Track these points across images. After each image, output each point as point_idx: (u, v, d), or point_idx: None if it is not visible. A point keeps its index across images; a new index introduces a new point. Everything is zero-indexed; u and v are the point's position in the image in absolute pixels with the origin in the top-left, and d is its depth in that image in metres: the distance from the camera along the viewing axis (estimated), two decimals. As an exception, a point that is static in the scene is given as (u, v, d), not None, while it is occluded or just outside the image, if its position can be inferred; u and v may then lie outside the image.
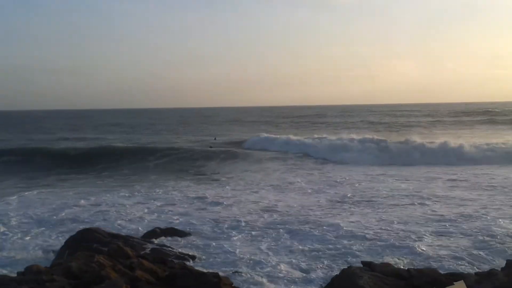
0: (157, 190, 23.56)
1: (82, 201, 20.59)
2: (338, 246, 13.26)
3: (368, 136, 41.42)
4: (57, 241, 14.09)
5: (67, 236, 13.76)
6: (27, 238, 14.80)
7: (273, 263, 11.86)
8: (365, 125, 74.66)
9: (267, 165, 32.60)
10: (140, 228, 15.80)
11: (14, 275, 8.68)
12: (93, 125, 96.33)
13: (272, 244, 13.72)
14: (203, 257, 12.61)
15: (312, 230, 15.04)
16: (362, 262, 9.60)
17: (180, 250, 13.03)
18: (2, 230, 15.80)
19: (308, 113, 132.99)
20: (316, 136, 45.65)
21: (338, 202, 19.57)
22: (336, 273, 9.49)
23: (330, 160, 35.08)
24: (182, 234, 14.71)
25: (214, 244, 13.76)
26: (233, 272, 11.06)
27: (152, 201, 20.77)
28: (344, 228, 15.08)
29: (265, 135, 49.61)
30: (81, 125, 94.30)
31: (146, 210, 18.72)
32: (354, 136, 41.61)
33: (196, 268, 9.99)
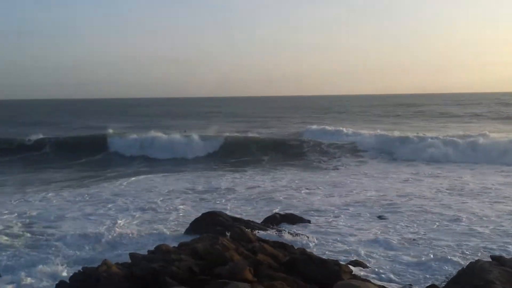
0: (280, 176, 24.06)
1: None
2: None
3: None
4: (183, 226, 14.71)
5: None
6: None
7: (394, 255, 11.58)
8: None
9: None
10: (254, 212, 16.37)
11: (145, 253, 9.22)
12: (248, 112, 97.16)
13: (396, 235, 13.38)
14: (323, 243, 12.59)
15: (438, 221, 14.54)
16: (491, 257, 9.11)
17: (299, 235, 13.10)
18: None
19: (435, 102, 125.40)
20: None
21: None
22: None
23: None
24: (301, 220, 14.78)
25: (333, 231, 13.71)
26: (352, 261, 10.94)
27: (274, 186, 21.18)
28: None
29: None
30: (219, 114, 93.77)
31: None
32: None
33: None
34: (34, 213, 16.61)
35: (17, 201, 19.06)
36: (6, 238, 13.67)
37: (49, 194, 20.44)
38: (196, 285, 7.64)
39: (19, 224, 15.18)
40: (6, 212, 16.83)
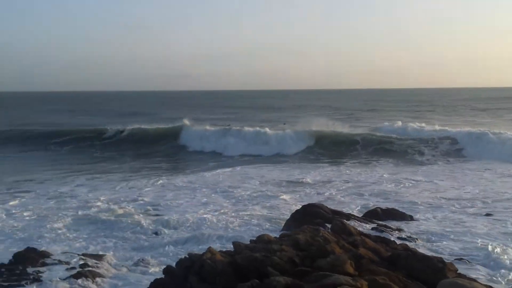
0: (378, 171, 23.67)
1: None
2: None
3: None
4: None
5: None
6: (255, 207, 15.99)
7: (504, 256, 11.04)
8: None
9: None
10: (354, 206, 16.22)
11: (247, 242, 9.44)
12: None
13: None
14: (426, 239, 12.26)
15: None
16: None
17: (401, 231, 12.83)
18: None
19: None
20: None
21: None
22: None
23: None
24: (403, 216, 14.46)
25: (437, 229, 13.28)
26: (457, 259, 10.55)
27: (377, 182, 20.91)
28: None
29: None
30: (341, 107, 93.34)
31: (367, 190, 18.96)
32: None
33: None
34: (148, 199, 17.84)
35: (132, 187, 20.44)
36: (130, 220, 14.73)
37: (159, 182, 21.58)
38: (297, 276, 7.72)
39: (141, 209, 16.28)
40: (125, 195, 17.91)
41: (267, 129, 36.28)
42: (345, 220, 11.32)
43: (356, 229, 10.93)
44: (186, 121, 39.25)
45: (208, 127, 38.12)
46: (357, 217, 13.86)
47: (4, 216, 15.65)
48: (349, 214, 13.90)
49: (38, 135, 40.80)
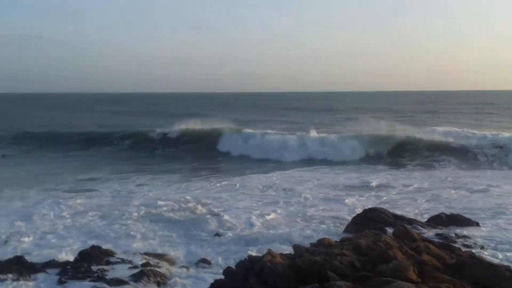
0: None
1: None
2: None
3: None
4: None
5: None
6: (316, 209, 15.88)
7: None
8: None
9: None
10: (417, 211, 15.83)
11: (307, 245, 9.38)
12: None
13: None
14: (493, 247, 11.81)
15: None
16: None
17: (466, 238, 12.43)
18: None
19: None
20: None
21: None
22: None
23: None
24: (468, 222, 14.00)
25: (504, 236, 12.77)
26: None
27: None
28: None
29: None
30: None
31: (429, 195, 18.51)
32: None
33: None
34: (209, 200, 18.07)
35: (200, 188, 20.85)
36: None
37: (223, 183, 21.89)
38: (358, 281, 7.60)
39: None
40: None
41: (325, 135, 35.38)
42: (407, 225, 11.07)
43: (419, 234, 10.66)
44: (247, 129, 38.84)
45: (269, 131, 37.76)
46: (420, 222, 13.52)
47: (70, 214, 16.20)
48: (412, 219, 13.58)
49: (100, 135, 41.82)
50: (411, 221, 13.02)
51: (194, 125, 41.52)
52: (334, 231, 13.33)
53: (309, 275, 7.93)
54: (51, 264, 10.69)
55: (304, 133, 36.10)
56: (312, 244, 9.21)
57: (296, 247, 8.82)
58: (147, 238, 13.49)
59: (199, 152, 34.60)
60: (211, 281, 9.03)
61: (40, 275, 10.11)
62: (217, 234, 13.50)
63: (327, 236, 9.97)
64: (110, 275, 9.99)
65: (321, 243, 8.97)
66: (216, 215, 15.59)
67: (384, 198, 18.16)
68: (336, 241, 9.21)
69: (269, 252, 8.39)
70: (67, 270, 10.18)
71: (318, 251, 8.44)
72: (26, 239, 13.42)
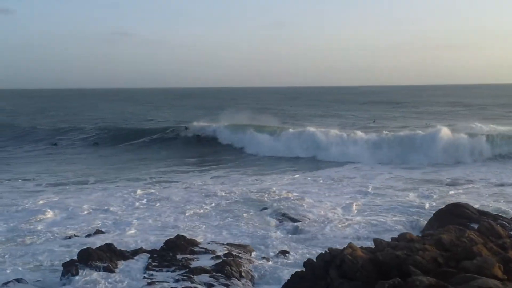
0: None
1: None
2: None
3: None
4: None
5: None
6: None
7: None
8: None
9: None
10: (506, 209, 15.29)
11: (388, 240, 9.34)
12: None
13: None
14: None
15: None
16: None
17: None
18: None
19: None
20: None
21: None
22: None
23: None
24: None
25: None
26: None
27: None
28: None
29: None
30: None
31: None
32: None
33: None
34: (284, 193, 18.19)
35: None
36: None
37: (296, 176, 22.13)
38: (440, 277, 7.50)
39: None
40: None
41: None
42: (492, 221, 10.75)
43: (506, 231, 10.33)
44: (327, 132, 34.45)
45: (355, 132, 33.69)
46: (506, 218, 13.09)
47: (153, 203, 16.93)
48: (497, 215, 13.16)
49: (175, 130, 41.73)
50: (496, 217, 12.63)
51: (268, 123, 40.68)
52: (415, 225, 13.19)
53: (390, 269, 7.91)
54: (139, 252, 11.22)
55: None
56: (393, 239, 9.15)
57: (377, 241, 8.80)
58: (229, 228, 13.87)
59: (277, 148, 34.38)
60: (291, 272, 9.19)
61: (129, 262, 10.63)
62: (298, 226, 13.64)
63: (408, 231, 9.87)
64: (194, 264, 10.36)
65: (403, 237, 8.90)
66: (296, 208, 15.74)
67: (467, 194, 17.68)
68: (418, 236, 9.11)
69: (350, 246, 8.43)
70: (154, 258, 10.65)
71: (400, 246, 8.39)
72: (113, 227, 14.19)
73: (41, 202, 17.37)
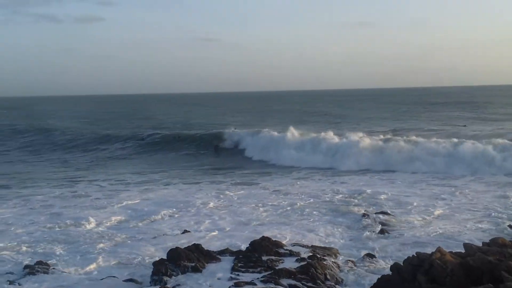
0: None
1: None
2: None
3: None
4: None
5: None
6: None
7: None
8: None
9: None
10: None
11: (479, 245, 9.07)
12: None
13: None
14: None
15: None
16: None
17: None
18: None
19: None
20: None
21: None
22: None
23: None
24: None
25: None
26: None
27: None
28: None
29: None
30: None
31: None
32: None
33: None
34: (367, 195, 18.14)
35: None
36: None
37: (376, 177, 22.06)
38: (536, 284, 7.22)
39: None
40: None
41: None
42: None
43: None
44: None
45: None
46: None
47: (239, 205, 17.31)
48: None
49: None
50: None
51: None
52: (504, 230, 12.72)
53: (481, 275, 7.71)
54: (225, 252, 11.50)
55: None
56: (484, 243, 8.89)
57: (467, 245, 8.59)
58: (313, 230, 13.95)
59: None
60: (377, 276, 9.12)
61: (215, 262, 10.91)
62: (382, 231, 13.48)
63: (501, 236, 9.54)
64: (279, 266, 10.48)
65: (495, 242, 8.63)
66: (382, 212, 15.57)
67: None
68: (511, 241, 8.80)
69: (439, 250, 8.28)
70: (240, 259, 10.86)
71: (492, 251, 8.15)
72: (199, 227, 14.63)
73: (125, 203, 18.26)
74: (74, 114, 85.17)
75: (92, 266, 11.52)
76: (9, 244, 13.26)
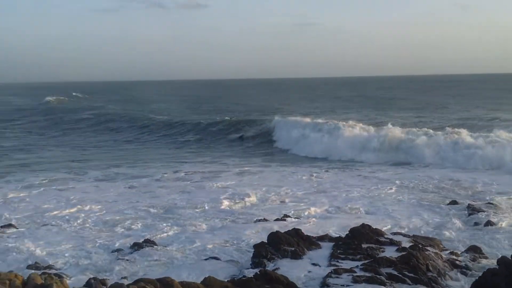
0: None
1: None
2: None
3: None
4: None
5: None
6: None
7: None
8: None
9: None
10: None
11: None
12: None
13: None
14: None
15: None
16: None
17: None
18: None
19: None
20: None
21: None
22: None
23: None
24: None
25: None
26: None
27: None
28: None
29: None
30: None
31: None
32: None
33: None
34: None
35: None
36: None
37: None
38: None
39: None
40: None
41: None
42: None
43: None
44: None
45: None
46: None
47: (333, 191, 17.48)
48: None
49: None
50: None
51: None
52: None
53: None
54: (324, 238, 11.56)
55: None
56: None
57: None
58: (412, 220, 13.67)
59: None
60: (482, 269, 8.81)
61: (315, 248, 10.99)
62: (489, 222, 12.93)
63: None
64: (379, 254, 10.37)
65: None
66: (484, 198, 15.01)
67: None
68: None
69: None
70: (339, 246, 10.87)
71: None
72: (296, 212, 14.84)
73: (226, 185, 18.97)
74: (176, 98, 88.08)
75: (195, 246, 11.98)
76: (119, 223, 14.13)
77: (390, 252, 10.45)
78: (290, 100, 72.80)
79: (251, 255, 10.70)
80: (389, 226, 13.02)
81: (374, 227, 11.79)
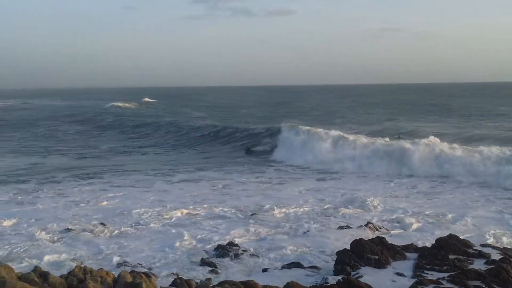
0: None
1: None
2: None
3: None
4: None
5: None
6: None
7: None
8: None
9: None
10: None
11: None
12: None
13: None
14: None
15: None
16: None
17: None
18: None
19: None
20: None
21: None
22: None
23: None
24: None
25: None
26: None
27: None
28: None
29: None
30: None
31: None
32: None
33: None
34: None
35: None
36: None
37: None
38: None
39: None
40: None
41: None
42: None
43: None
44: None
45: None
46: None
47: (416, 198, 17.03)
48: None
49: None
50: None
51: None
52: None
53: None
54: (409, 248, 11.29)
55: None
56: None
57: None
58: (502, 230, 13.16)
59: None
60: None
61: (399, 258, 10.75)
62: None
63: None
64: (467, 266, 10.02)
65: None
66: None
67: None
68: None
69: None
70: (425, 256, 10.58)
71: None
72: (380, 221, 14.60)
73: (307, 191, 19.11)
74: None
75: (278, 252, 12.05)
76: (203, 225, 14.51)
77: (478, 265, 10.07)
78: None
79: (333, 262, 10.64)
80: (475, 237, 12.53)
81: (462, 238, 11.40)
